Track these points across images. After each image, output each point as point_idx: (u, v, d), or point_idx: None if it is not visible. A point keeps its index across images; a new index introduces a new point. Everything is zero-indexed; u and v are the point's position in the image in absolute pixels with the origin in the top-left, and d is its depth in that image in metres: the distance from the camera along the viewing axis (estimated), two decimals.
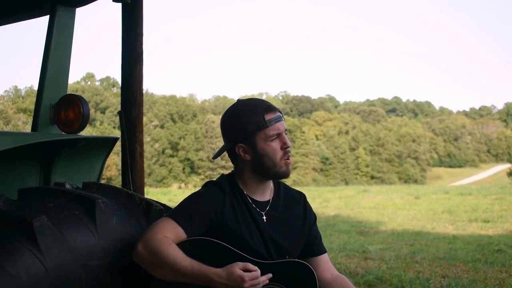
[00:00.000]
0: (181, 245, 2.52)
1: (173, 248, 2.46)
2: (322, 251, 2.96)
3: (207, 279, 2.42)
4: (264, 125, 2.69)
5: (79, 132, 3.38)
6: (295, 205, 2.93)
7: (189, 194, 2.82)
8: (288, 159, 2.74)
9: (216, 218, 2.65)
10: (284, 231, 2.80)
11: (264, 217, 2.77)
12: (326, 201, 26.56)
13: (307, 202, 3.01)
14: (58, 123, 3.42)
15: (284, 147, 2.72)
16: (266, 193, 2.85)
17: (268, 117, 2.70)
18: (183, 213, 2.61)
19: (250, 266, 2.45)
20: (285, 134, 2.76)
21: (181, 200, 2.75)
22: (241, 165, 2.80)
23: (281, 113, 2.79)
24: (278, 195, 2.90)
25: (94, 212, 2.49)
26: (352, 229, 15.24)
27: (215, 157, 2.95)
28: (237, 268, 2.43)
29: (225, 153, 2.87)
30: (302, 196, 3.01)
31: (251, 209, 2.75)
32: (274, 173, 2.74)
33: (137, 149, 5.61)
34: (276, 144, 2.71)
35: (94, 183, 2.89)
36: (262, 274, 2.56)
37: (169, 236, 2.50)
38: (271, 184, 2.88)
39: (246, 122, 2.71)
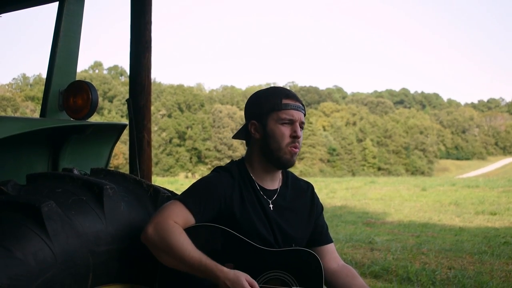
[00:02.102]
0: (189, 230, 2.53)
1: (184, 237, 2.47)
2: (329, 240, 2.97)
3: (212, 275, 2.42)
4: (279, 107, 2.73)
5: (87, 119, 3.38)
6: (302, 195, 2.95)
7: (199, 178, 2.83)
8: (294, 147, 2.74)
9: (225, 204, 2.67)
10: (291, 220, 2.82)
11: (271, 205, 2.79)
12: (332, 192, 26.52)
13: (315, 192, 3.02)
14: (66, 109, 3.43)
15: (293, 135, 2.72)
16: (274, 181, 2.86)
17: (285, 101, 2.74)
18: (192, 197, 2.63)
19: (257, 286, 2.47)
20: (301, 126, 2.77)
21: (190, 184, 2.76)
22: (251, 145, 2.84)
23: (303, 106, 2.81)
24: (286, 184, 2.92)
25: (102, 198, 2.50)
26: (359, 220, 15.24)
27: (234, 136, 2.99)
28: (245, 278, 2.44)
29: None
30: (309, 187, 3.03)
31: (259, 196, 2.77)
32: (278, 157, 2.74)
33: (145, 137, 5.62)
34: (286, 129, 2.72)
35: (102, 169, 2.89)
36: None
37: (178, 221, 2.51)
38: (279, 174, 2.90)
39: (264, 101, 2.78)
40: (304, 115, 2.81)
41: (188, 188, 2.72)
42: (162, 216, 2.51)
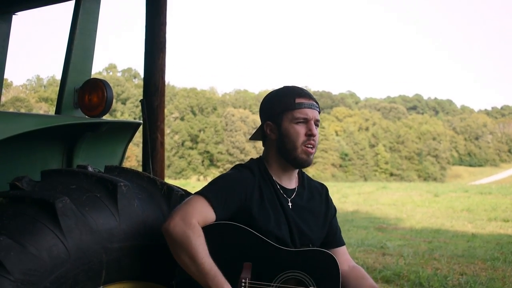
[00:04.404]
0: (209, 227, 2.53)
1: (202, 241, 2.46)
2: (341, 243, 2.99)
3: (219, 287, 2.41)
4: (293, 106, 2.73)
5: (102, 116, 3.39)
6: (318, 196, 2.97)
7: (220, 175, 2.84)
8: (310, 147, 2.73)
9: (245, 201, 2.67)
10: (308, 220, 2.83)
11: (290, 204, 2.80)
12: (344, 196, 26.52)
13: (329, 195, 3.04)
14: (81, 107, 3.43)
15: (308, 134, 2.72)
16: (291, 181, 2.88)
17: (299, 100, 2.74)
18: (215, 193, 2.62)
19: None
20: (316, 124, 2.76)
21: (211, 180, 2.77)
22: (268, 145, 2.85)
23: (317, 103, 2.81)
24: (302, 184, 2.94)
25: (116, 195, 2.50)
26: (371, 225, 15.22)
27: (251, 137, 3.00)
28: None
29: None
30: (324, 188, 3.04)
31: (278, 194, 2.78)
32: (294, 157, 2.74)
33: (158, 138, 5.64)
34: (300, 128, 2.72)
35: (116, 166, 2.89)
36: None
37: (200, 218, 2.50)
38: (296, 173, 2.91)
39: (278, 101, 2.79)
40: (319, 112, 2.81)
41: (210, 183, 2.72)
42: (186, 212, 2.50)
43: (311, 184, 2.99)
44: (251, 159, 2.93)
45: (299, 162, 2.77)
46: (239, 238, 2.60)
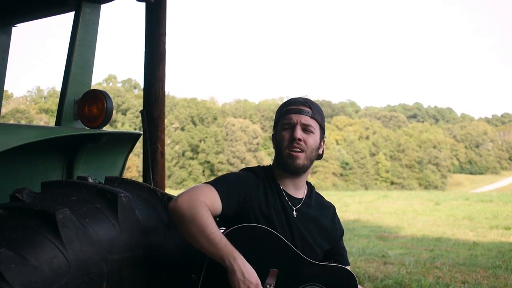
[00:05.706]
0: (243, 229, 2.58)
1: (209, 214, 2.51)
2: (347, 263, 3.06)
3: (228, 256, 2.42)
4: (281, 115, 2.85)
5: (102, 127, 3.40)
6: (325, 211, 3.02)
7: (229, 172, 2.93)
8: (294, 150, 2.77)
9: (245, 198, 2.72)
10: (312, 230, 2.87)
11: (295, 213, 2.84)
12: (345, 205, 26.44)
13: (336, 214, 3.10)
14: (81, 118, 3.44)
15: (291, 138, 2.77)
16: (299, 190, 2.93)
17: (287, 108, 2.84)
18: (221, 183, 2.68)
19: None
20: (305, 129, 2.79)
21: (220, 175, 2.85)
22: (275, 154, 2.92)
23: (310, 108, 2.82)
24: (310, 196, 2.98)
25: (116, 206, 2.51)
26: (372, 233, 15.19)
27: None
28: (257, 279, 2.45)
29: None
30: (332, 206, 3.11)
31: (284, 202, 2.83)
32: (283, 162, 2.82)
33: (158, 148, 5.65)
34: (285, 134, 2.80)
35: (117, 177, 2.90)
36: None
37: (207, 201, 2.55)
38: (302, 182, 2.94)
39: (276, 115, 2.91)
40: (313, 118, 2.82)
41: (219, 177, 2.79)
42: (194, 192, 2.57)
43: (319, 199, 3.06)
44: (259, 166, 3.00)
45: (286, 167, 2.82)
46: (271, 243, 2.63)
